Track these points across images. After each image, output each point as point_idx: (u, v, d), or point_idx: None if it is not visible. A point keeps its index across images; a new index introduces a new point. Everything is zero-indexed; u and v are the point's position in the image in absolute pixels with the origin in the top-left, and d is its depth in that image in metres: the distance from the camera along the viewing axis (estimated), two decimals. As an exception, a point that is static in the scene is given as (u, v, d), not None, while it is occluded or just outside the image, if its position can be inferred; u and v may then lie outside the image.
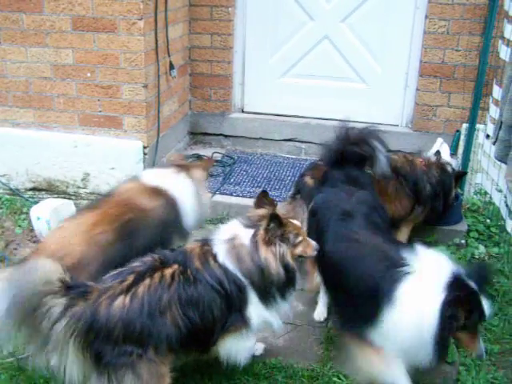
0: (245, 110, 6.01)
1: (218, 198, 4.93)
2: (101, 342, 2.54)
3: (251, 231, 2.90)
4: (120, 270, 2.82)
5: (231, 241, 2.90)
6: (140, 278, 2.70)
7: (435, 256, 2.77)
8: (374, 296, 2.76)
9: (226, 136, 5.93)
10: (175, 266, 2.79)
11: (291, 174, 5.39)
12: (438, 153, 4.34)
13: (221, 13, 5.51)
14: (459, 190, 4.75)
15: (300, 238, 2.96)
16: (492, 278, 2.96)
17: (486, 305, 2.63)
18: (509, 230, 3.98)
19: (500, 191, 4.33)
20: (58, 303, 2.51)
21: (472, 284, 2.62)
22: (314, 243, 3.07)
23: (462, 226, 4.49)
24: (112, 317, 2.56)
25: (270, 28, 5.70)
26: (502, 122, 3.80)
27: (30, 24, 4.67)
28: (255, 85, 5.88)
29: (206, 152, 5.75)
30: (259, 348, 3.39)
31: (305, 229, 3.47)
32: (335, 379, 3.23)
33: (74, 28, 4.60)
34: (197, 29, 5.58)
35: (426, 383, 3.16)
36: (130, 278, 2.69)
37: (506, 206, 4.06)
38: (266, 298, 2.91)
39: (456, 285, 2.60)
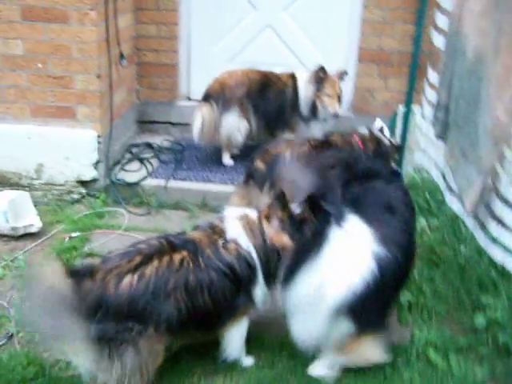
0: (191, 97, 6.15)
1: (173, 183, 5.08)
2: (106, 318, 2.65)
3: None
4: (126, 250, 2.92)
5: (244, 217, 3.05)
6: (148, 259, 2.80)
7: None
8: None
9: (173, 124, 6.06)
10: (184, 253, 2.88)
11: (238, 160, 5.56)
12: (381, 129, 4.62)
13: (166, 2, 5.61)
14: (398, 168, 5.12)
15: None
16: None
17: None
18: (447, 202, 4.34)
19: (438, 168, 4.70)
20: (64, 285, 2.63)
21: None
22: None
23: (404, 201, 4.82)
24: (121, 294, 2.66)
25: (214, 17, 5.85)
26: (440, 105, 4.16)
27: (-25, 14, 4.61)
28: (201, 73, 6.01)
29: (155, 140, 5.85)
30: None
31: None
32: (302, 346, 3.49)
33: (23, 18, 4.57)
34: (143, 18, 5.66)
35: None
36: (138, 259, 2.79)
37: (444, 179, 4.42)
38: (268, 276, 3.02)
39: None
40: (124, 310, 2.67)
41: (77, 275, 2.71)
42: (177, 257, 2.86)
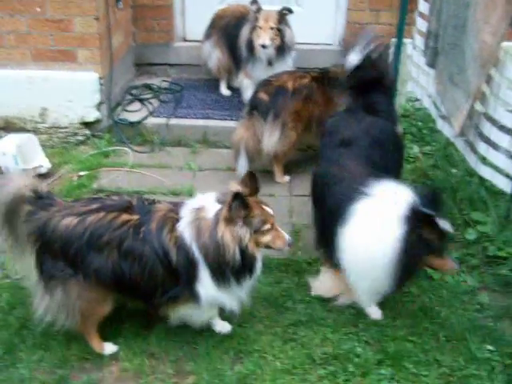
0: (187, 38, 6.23)
1: (174, 121, 5.25)
2: (45, 251, 2.81)
3: (219, 206, 2.82)
4: (97, 197, 3.05)
5: (197, 211, 2.84)
6: (100, 209, 2.83)
7: (395, 185, 3.06)
8: (336, 214, 3.09)
9: (171, 65, 6.15)
10: (135, 217, 2.84)
11: (237, 95, 5.70)
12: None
13: None
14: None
15: (267, 226, 2.82)
16: (444, 202, 3.08)
17: (445, 225, 2.89)
18: (439, 128, 4.52)
19: (430, 96, 4.86)
20: (25, 209, 2.82)
21: (428, 211, 2.83)
22: (287, 237, 2.91)
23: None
24: (56, 232, 2.78)
25: (206, -44, 5.87)
26: (430, 32, 4.29)
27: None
28: (195, 13, 6.08)
29: (153, 81, 5.97)
30: (226, 327, 3.29)
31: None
32: (305, 265, 3.77)
33: (18, -38, 4.64)
34: (136, -40, 5.69)
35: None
36: (93, 207, 2.84)
37: (436, 107, 4.59)
38: (218, 278, 2.83)
39: (415, 214, 2.85)
40: (56, 248, 2.77)
41: (37, 204, 2.85)
42: (124, 217, 2.83)
